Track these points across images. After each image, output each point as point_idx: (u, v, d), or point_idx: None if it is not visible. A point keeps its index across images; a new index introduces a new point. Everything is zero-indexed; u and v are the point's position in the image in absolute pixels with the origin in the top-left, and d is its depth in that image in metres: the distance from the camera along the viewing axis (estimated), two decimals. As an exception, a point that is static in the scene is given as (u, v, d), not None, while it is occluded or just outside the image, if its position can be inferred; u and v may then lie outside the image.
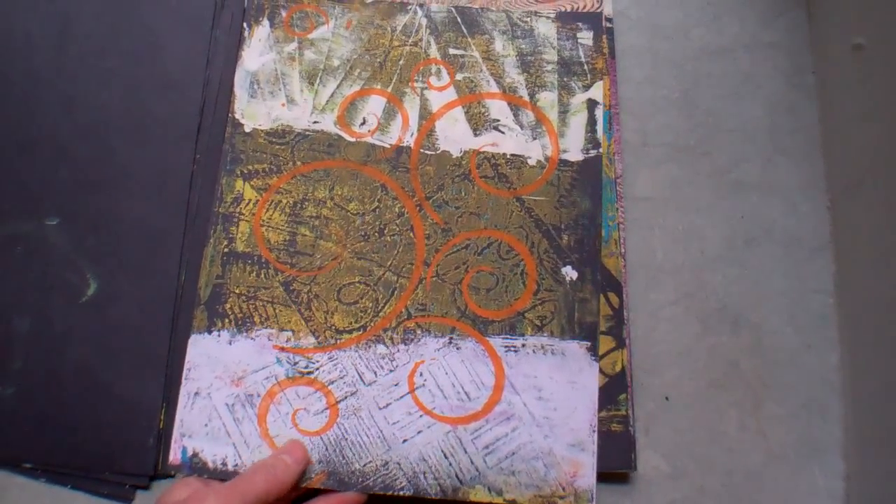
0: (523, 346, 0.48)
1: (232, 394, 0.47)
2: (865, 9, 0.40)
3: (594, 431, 0.47)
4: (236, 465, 0.45)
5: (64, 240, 0.48)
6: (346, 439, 0.46)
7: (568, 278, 0.50)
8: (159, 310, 0.49)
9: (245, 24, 0.54)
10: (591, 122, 0.52)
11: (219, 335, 0.48)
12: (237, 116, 0.52)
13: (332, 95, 0.53)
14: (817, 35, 0.45)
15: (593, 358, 0.48)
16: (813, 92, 0.47)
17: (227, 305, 0.48)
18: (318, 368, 0.47)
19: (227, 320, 0.48)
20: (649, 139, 0.53)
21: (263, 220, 0.50)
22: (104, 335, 0.48)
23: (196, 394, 0.46)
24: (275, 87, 0.53)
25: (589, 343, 0.48)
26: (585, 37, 0.54)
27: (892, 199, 0.40)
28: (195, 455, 0.45)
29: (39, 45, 0.51)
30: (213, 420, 0.46)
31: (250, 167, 0.51)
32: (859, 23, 0.41)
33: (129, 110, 0.51)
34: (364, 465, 0.46)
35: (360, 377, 0.47)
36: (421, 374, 0.48)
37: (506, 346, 0.48)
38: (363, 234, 0.50)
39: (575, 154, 0.52)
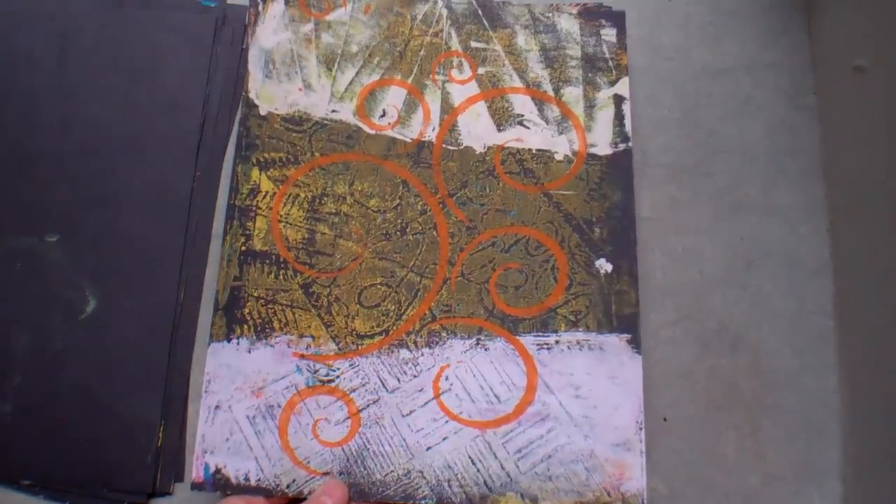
0: (557, 342, 0.48)
1: (252, 405, 0.46)
2: (866, 30, 0.41)
3: (641, 429, 0.46)
4: (258, 479, 0.45)
5: (63, 257, 0.49)
6: (368, 449, 0.46)
7: (602, 271, 0.49)
8: (158, 327, 0.49)
9: (259, 0, 0.54)
10: (619, 116, 0.52)
11: (238, 343, 0.47)
12: (251, 96, 0.52)
13: (350, 83, 0.53)
14: (818, 56, 0.47)
15: (635, 350, 0.47)
16: (814, 113, 0.48)
17: (246, 310, 0.48)
18: (339, 376, 0.47)
19: (245, 326, 0.48)
20: (649, 160, 0.53)
21: (281, 216, 0.50)
22: (103, 352, 0.48)
23: (217, 407, 0.46)
24: (291, 70, 0.53)
25: (629, 335, 0.48)
26: (609, 34, 0.54)
27: (893, 222, 0.40)
28: (218, 471, 0.45)
29: (40, 62, 0.52)
30: (235, 434, 0.46)
31: (266, 155, 0.51)
32: (860, 44, 0.42)
33: (130, 127, 0.52)
34: (385, 476, 0.45)
35: (383, 384, 0.47)
36: (446, 378, 0.47)
37: (538, 344, 0.48)
38: (384, 232, 0.50)
39: (603, 148, 0.52)
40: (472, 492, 0.45)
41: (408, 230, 0.50)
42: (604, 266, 0.49)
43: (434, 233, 0.50)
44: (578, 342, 0.48)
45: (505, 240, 0.50)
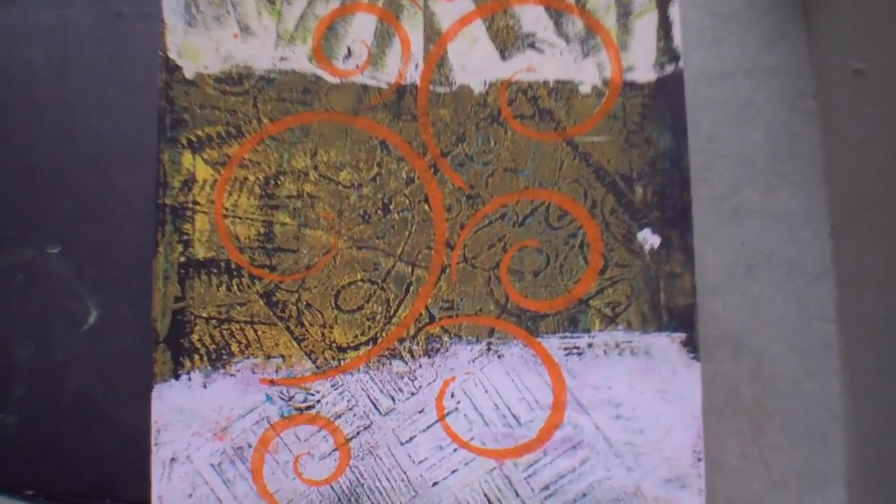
0: (590, 345, 0.39)
1: (217, 450, 0.39)
2: (865, 33, 0.42)
3: (700, 460, 0.38)
4: None
5: (65, 268, 0.50)
6: (363, 485, 0.39)
7: (647, 246, 0.39)
8: (159, 337, 0.49)
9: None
10: (664, 25, 0.40)
11: (189, 379, 0.39)
12: (172, 56, 0.41)
13: (302, 17, 0.41)
14: (818, 59, 0.47)
15: (692, 355, 0.38)
16: (814, 117, 0.49)
17: (195, 337, 0.39)
18: (319, 401, 0.39)
19: (196, 357, 0.39)
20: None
21: (227, 210, 0.40)
22: (105, 363, 0.49)
23: (172, 460, 0.39)
24: (220, 10, 0.41)
25: (684, 334, 0.38)
26: None
27: (894, 225, 0.41)
28: None
29: (40, 75, 0.53)
30: (199, 487, 0.39)
31: (199, 132, 0.40)
32: (860, 47, 0.42)
33: (129, 139, 0.52)
34: None
35: (375, 405, 0.39)
36: (452, 395, 0.39)
37: (565, 349, 0.39)
38: (362, 213, 0.40)
39: (645, 72, 0.40)
40: None
41: (392, 207, 0.40)
42: (649, 239, 0.39)
43: (425, 207, 0.40)
44: (618, 345, 0.39)
45: (518, 209, 0.40)
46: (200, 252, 0.40)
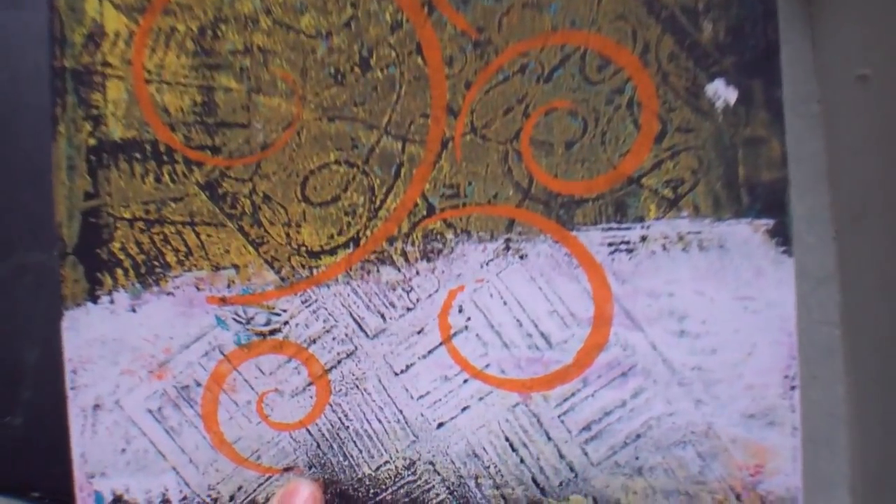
0: (643, 239, 0.31)
1: (155, 392, 0.32)
2: (870, 39, 0.43)
3: (794, 388, 0.30)
4: (183, 497, 0.32)
5: None
6: (347, 428, 0.32)
7: (720, 102, 0.30)
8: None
9: None
10: None
11: (111, 301, 0.31)
12: None
13: None
14: (822, 65, 0.49)
15: (783, 249, 0.30)
16: (818, 122, 0.50)
17: (116, 245, 0.31)
18: (287, 322, 0.31)
19: (119, 272, 0.31)
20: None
21: (151, 72, 0.31)
22: None
23: (96, 407, 0.32)
24: None
25: (771, 221, 0.30)
26: None
27: None
28: (119, 499, 0.32)
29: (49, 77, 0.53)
30: (134, 440, 0.32)
31: None
32: (864, 53, 0.43)
33: None
34: (377, 469, 0.32)
35: (360, 326, 0.31)
36: (460, 310, 0.31)
37: (611, 244, 0.31)
38: (332, 72, 0.31)
39: None
40: (514, 495, 0.31)
41: (372, 62, 0.31)
42: (722, 93, 0.30)
43: (418, 61, 0.30)
44: (681, 237, 0.30)
45: (543, 59, 0.30)
46: (117, 131, 0.31)
